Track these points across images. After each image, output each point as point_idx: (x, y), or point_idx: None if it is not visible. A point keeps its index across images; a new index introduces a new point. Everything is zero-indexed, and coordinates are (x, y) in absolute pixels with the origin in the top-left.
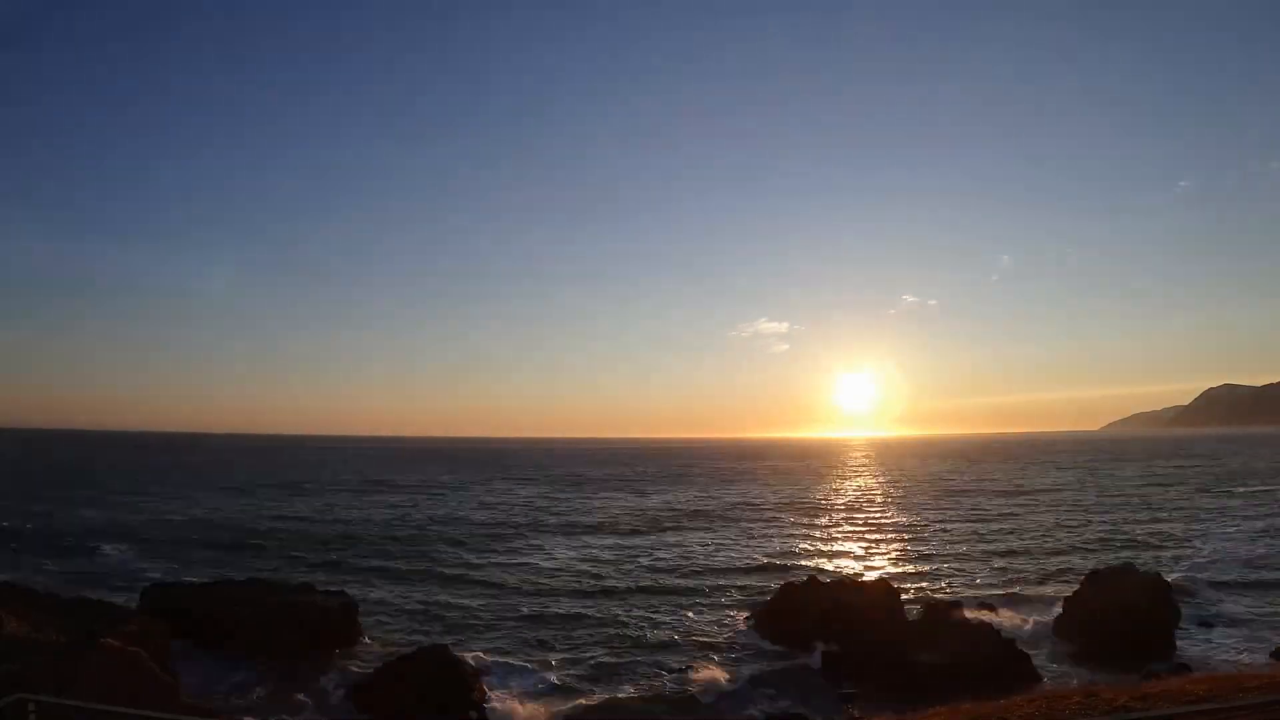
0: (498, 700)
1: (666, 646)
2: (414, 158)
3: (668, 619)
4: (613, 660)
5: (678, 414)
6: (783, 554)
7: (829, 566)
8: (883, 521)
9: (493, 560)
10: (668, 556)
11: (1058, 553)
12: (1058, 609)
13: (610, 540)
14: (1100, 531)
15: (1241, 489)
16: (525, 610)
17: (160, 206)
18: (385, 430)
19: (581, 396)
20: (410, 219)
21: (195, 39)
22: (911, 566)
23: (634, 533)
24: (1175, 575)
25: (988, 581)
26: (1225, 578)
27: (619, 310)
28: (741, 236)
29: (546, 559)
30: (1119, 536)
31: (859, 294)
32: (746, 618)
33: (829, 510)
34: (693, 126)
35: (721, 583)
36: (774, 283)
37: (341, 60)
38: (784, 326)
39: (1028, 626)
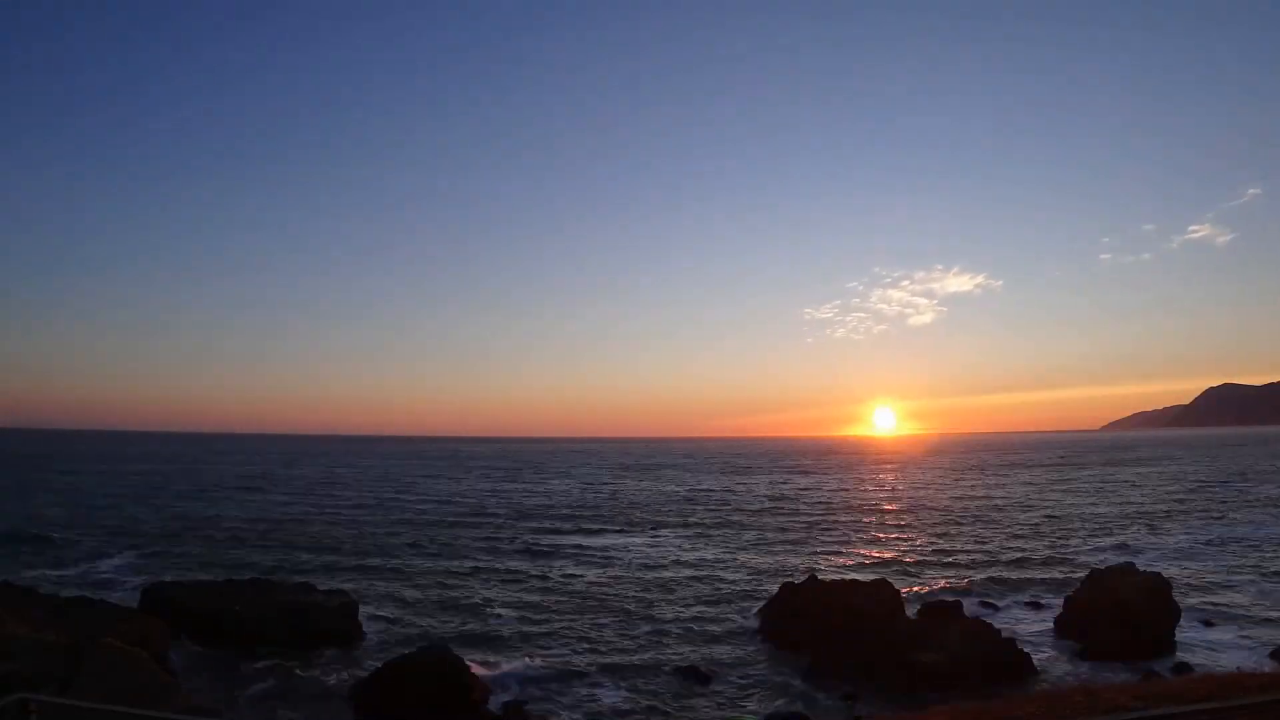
0: (498, 701)
1: (666, 646)
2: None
3: (667, 619)
4: (612, 661)
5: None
6: (783, 553)
7: (830, 566)
8: (885, 521)
9: (495, 560)
10: (668, 556)
11: (1058, 553)
12: (1058, 609)
13: (612, 540)
14: (1101, 530)
15: (1243, 487)
16: (526, 611)
17: (147, 187)
18: (416, 430)
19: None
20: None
21: (194, 24)
22: (912, 566)
23: (636, 532)
24: (1176, 574)
25: (988, 581)
26: (1226, 577)
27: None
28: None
29: (548, 559)
30: (1120, 536)
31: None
32: (746, 617)
33: (833, 511)
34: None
35: (721, 582)
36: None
37: (349, 53)
38: (976, 280)
39: (1028, 626)
